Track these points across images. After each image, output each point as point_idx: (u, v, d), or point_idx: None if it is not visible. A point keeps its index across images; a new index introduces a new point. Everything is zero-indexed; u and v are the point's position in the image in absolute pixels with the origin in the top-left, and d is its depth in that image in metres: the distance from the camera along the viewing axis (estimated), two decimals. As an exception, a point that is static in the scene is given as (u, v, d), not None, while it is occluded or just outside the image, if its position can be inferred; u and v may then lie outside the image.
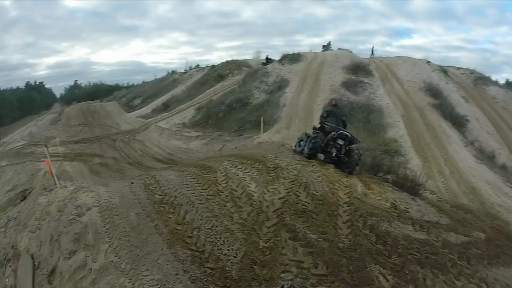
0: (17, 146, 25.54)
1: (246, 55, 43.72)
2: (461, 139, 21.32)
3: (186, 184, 7.95)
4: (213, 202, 7.07)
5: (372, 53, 37.32)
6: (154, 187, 8.10)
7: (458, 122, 22.81)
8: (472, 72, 32.58)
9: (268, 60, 35.87)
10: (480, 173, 17.16)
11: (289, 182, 7.81)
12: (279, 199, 7.06)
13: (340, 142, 9.50)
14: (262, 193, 7.30)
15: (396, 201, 8.21)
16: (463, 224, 7.85)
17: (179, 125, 26.40)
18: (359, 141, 10.17)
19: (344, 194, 7.82)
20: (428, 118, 22.37)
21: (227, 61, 42.86)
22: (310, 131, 10.72)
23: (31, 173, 16.77)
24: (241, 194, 7.27)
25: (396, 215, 7.48)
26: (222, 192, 7.37)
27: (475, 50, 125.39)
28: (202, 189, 7.62)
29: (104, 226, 6.80)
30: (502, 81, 35.31)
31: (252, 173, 8.42)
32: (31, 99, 74.25)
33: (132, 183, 8.64)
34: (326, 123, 9.92)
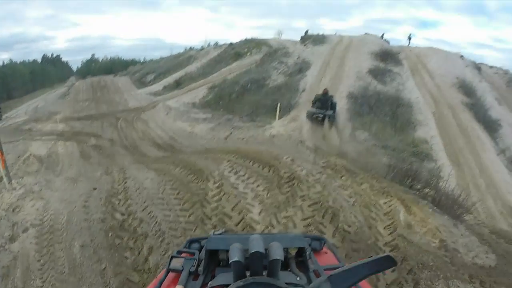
0: (17, 121, 23.73)
1: (268, 36, 41.07)
2: (493, 145, 18.84)
3: (162, 199, 5.75)
4: (193, 237, 4.83)
5: (409, 41, 34.10)
6: (119, 199, 5.92)
7: (491, 127, 20.10)
8: (506, 72, 29.45)
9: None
10: None
11: (309, 206, 5.60)
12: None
13: (320, 116, 14.29)
14: (269, 226, 5.07)
15: (442, 234, 6.40)
16: (510, 263, 6.24)
17: (189, 105, 24.15)
18: (334, 116, 14.80)
19: (385, 228, 5.63)
20: (461, 118, 19.85)
21: (246, 39, 39.89)
22: None
23: (18, 154, 14.97)
24: (236, 225, 5.02)
25: (449, 260, 5.59)
26: (210, 219, 5.14)
27: (502, 50, 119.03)
28: (181, 209, 5.41)
29: (39, 260, 4.84)
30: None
31: (258, 185, 6.18)
32: (45, 72, 72.72)
33: (94, 189, 6.47)
34: (312, 107, 14.77)
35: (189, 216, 5.26)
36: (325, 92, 15.16)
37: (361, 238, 5.15)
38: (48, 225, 5.44)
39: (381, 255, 1.28)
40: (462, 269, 5.47)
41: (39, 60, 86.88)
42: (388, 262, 1.29)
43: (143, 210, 5.49)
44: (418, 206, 7.34)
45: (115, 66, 75.53)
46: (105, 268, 4.50)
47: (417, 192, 8.97)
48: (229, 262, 1.33)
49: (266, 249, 1.35)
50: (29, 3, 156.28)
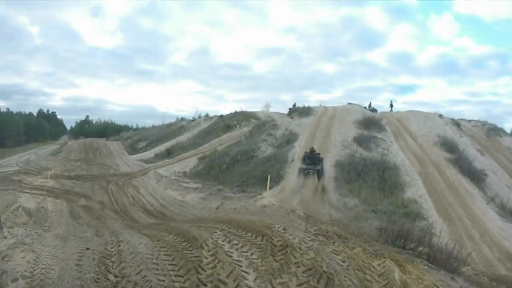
0: (8, 171, 23.56)
1: (255, 108, 42.90)
2: (482, 195, 19.71)
3: (156, 264, 5.73)
4: (188, 304, 4.83)
5: (391, 107, 35.92)
6: (112, 262, 5.89)
7: (477, 177, 21.29)
8: (484, 123, 31.91)
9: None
10: (510, 234, 15.59)
11: (303, 272, 5.66)
12: (289, 305, 4.83)
13: (310, 171, 16.78)
14: (265, 293, 5.09)
15: None
16: None
17: (179, 174, 24.54)
18: (322, 170, 17.49)
19: None
20: (447, 174, 20.83)
21: (235, 112, 41.54)
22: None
23: (6, 204, 14.74)
24: (232, 293, 5.04)
25: None
26: (205, 285, 5.15)
27: (477, 102, 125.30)
28: (176, 275, 5.39)
29: (28, 315, 4.67)
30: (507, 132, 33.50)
31: (252, 253, 6.24)
32: (40, 127, 74.28)
33: (87, 249, 6.43)
34: (302, 164, 17.31)
35: (184, 282, 5.23)
36: (312, 150, 17.82)
37: (357, 301, 5.19)
38: (39, 278, 5.32)
39: None
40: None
41: (35, 114, 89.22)
42: None
43: (138, 273, 5.45)
44: (413, 265, 7.52)
45: (108, 129, 77.34)
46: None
47: (411, 251, 9.34)
48: None
49: None
50: (31, 57, 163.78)
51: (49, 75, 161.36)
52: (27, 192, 16.70)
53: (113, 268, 5.69)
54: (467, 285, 7.36)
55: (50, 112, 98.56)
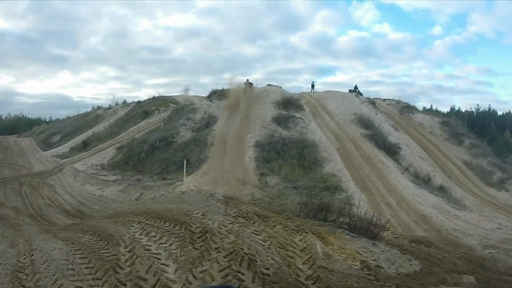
0: None
1: (175, 93, 41.68)
2: (397, 166, 21.14)
3: (72, 269, 5.56)
4: (108, 308, 4.74)
5: (313, 88, 37.16)
6: (26, 275, 5.61)
7: (391, 150, 22.68)
8: (398, 102, 33.65)
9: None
10: (424, 199, 16.91)
11: (225, 257, 5.76)
12: (213, 291, 4.96)
13: None
14: (186, 284, 5.18)
15: (363, 256, 7.02)
16: (434, 264, 7.30)
17: (97, 167, 23.20)
18: None
19: (304, 264, 6.01)
20: (363, 148, 21.91)
21: (153, 97, 39.81)
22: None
23: None
24: (153, 287, 5.08)
25: (373, 278, 6.10)
26: (124, 285, 5.10)
27: (393, 83, 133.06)
28: (93, 278, 5.26)
29: None
30: (419, 109, 36.61)
31: (171, 244, 6.23)
32: None
33: (-1, 264, 6.08)
34: None
35: (102, 285, 5.13)
36: None
37: (281, 277, 5.41)
38: None
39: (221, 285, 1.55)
40: (388, 282, 5.94)
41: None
42: None
43: (54, 283, 5.21)
44: (335, 236, 7.89)
45: (19, 125, 69.85)
46: None
47: (332, 223, 9.61)
48: None
49: None
50: None
51: None
52: None
53: (27, 282, 5.40)
54: (388, 248, 7.80)
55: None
